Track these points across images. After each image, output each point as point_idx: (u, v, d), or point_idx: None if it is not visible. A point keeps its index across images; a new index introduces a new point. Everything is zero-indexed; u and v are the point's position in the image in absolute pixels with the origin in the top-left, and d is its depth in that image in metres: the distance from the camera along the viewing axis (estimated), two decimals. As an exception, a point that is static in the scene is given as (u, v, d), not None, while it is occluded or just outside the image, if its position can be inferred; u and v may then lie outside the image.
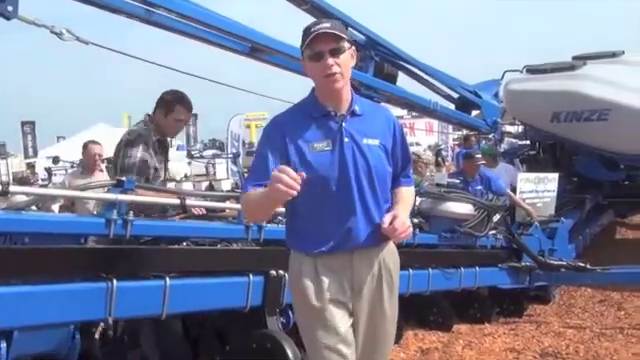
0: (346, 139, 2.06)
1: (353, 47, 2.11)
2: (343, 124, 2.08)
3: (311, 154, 2.04)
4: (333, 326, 2.05)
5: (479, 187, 6.08)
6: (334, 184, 2.04)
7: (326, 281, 2.06)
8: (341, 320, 2.07)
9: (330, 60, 2.01)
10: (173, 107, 3.43)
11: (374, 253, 2.13)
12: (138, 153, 3.27)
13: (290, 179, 1.79)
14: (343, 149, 2.06)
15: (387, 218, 2.05)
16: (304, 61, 2.09)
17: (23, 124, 23.60)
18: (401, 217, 2.05)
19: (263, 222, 3.23)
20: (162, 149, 3.54)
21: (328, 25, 2.03)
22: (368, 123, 2.13)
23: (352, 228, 2.06)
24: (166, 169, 3.64)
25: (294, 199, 2.00)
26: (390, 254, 2.18)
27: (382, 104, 5.43)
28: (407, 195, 2.25)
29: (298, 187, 1.81)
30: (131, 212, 2.82)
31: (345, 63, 2.05)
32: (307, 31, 2.03)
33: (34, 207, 3.42)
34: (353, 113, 2.11)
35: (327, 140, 2.06)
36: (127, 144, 3.32)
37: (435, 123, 22.01)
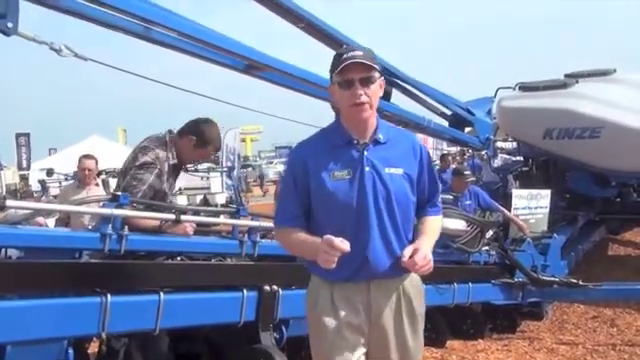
0: (367, 168, 2.04)
1: (382, 77, 2.10)
2: (365, 153, 2.06)
3: (331, 182, 2.03)
4: (347, 355, 2.03)
5: (468, 202, 6.12)
6: (352, 212, 2.03)
7: (342, 309, 2.04)
8: (355, 349, 2.05)
9: (360, 89, 2.00)
10: (206, 145, 3.20)
11: (393, 283, 2.10)
12: (149, 179, 3.06)
13: (333, 252, 1.87)
14: (363, 178, 2.03)
15: (407, 251, 2.00)
16: (332, 87, 2.09)
17: (18, 136, 23.34)
18: (422, 250, 1.99)
19: None
20: (175, 172, 3.33)
21: (361, 54, 2.02)
22: (392, 151, 2.10)
23: (369, 257, 2.03)
24: (172, 191, 3.44)
25: (315, 225, 2.07)
26: (411, 283, 2.15)
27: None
28: (433, 225, 2.20)
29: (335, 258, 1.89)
30: (126, 227, 2.83)
31: (374, 93, 2.04)
32: (339, 57, 2.03)
33: (42, 220, 3.36)
34: (376, 141, 2.09)
35: (348, 169, 2.05)
36: (142, 166, 3.07)
37: (430, 139, 22.15)
